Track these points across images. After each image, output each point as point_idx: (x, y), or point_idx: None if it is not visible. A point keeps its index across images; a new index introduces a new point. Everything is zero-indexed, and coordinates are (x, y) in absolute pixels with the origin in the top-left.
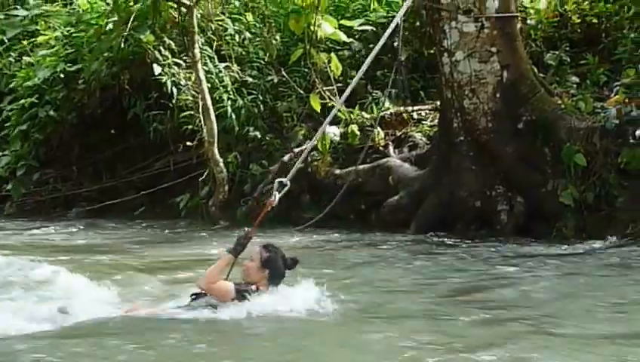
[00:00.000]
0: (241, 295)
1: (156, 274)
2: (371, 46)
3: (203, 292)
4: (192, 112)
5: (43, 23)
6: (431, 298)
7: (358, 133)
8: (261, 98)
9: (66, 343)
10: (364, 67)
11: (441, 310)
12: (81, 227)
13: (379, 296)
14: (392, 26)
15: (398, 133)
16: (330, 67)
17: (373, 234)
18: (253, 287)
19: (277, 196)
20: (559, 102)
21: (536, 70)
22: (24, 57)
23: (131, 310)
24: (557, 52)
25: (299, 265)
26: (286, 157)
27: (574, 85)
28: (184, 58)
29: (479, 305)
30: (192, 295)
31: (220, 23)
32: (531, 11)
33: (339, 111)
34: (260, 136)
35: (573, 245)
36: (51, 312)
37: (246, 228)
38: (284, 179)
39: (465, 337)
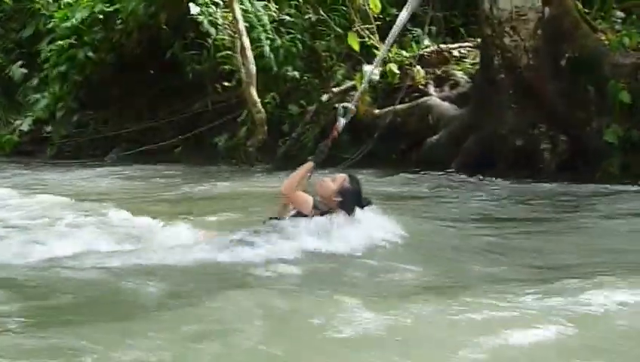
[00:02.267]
0: (317, 210)
1: (215, 206)
2: None
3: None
4: (230, 52)
5: None
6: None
7: (397, 71)
8: (299, 37)
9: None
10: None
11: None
12: (124, 169)
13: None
14: None
15: (438, 72)
16: (368, 4)
17: (414, 172)
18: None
19: (342, 121)
20: (603, 37)
21: (579, 5)
22: None
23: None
24: None
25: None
26: (325, 97)
27: (619, 20)
28: None
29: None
30: (270, 218)
31: None
32: None
33: (377, 49)
34: (298, 76)
35: (617, 185)
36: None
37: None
38: (348, 104)
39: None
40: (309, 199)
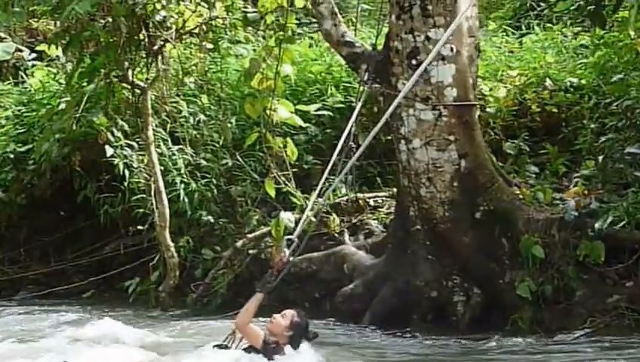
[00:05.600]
0: (267, 345)
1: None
2: (328, 131)
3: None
4: (144, 195)
5: None
6: None
7: (313, 219)
8: (215, 182)
9: None
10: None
11: None
12: (30, 311)
13: None
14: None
15: (354, 220)
16: (285, 152)
17: (326, 323)
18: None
19: (287, 252)
20: (518, 192)
21: (494, 159)
22: None
23: None
24: (516, 141)
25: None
26: (239, 243)
27: (533, 175)
28: (137, 140)
29: None
30: (214, 346)
31: (175, 105)
32: (490, 99)
33: (294, 196)
34: (212, 220)
35: (529, 338)
36: None
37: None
38: (292, 236)
39: None
40: (261, 334)
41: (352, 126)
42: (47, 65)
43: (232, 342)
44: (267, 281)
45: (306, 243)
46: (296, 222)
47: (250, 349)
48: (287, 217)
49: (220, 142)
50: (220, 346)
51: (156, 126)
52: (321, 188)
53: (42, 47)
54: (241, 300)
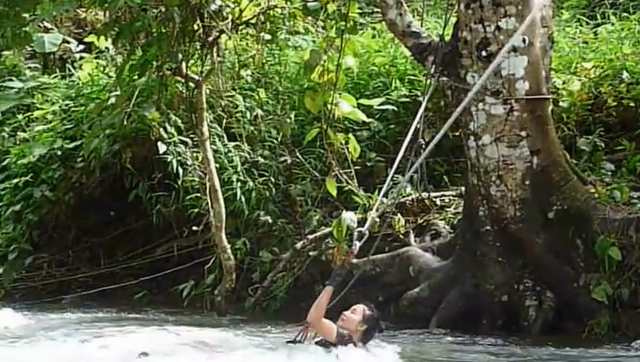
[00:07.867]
0: (341, 339)
1: None
2: (392, 126)
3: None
4: (199, 194)
5: (40, 96)
6: None
7: (377, 219)
8: (273, 180)
9: None
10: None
11: None
12: (79, 315)
13: None
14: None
15: (420, 221)
16: (347, 148)
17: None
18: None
19: (357, 245)
20: (593, 190)
21: (568, 156)
22: (19, 133)
23: None
24: (591, 137)
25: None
26: (299, 244)
27: (609, 173)
28: (191, 136)
29: None
30: (287, 342)
31: (231, 99)
32: (564, 93)
33: (356, 195)
34: (271, 220)
35: (607, 346)
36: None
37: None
38: (362, 229)
39: None
40: (334, 327)
41: (418, 121)
42: (96, 58)
43: (303, 337)
44: (337, 274)
45: (369, 243)
46: (359, 222)
47: (322, 343)
48: (349, 217)
49: (279, 139)
50: (292, 342)
51: (211, 121)
52: (387, 187)
53: (91, 38)
54: (301, 304)
